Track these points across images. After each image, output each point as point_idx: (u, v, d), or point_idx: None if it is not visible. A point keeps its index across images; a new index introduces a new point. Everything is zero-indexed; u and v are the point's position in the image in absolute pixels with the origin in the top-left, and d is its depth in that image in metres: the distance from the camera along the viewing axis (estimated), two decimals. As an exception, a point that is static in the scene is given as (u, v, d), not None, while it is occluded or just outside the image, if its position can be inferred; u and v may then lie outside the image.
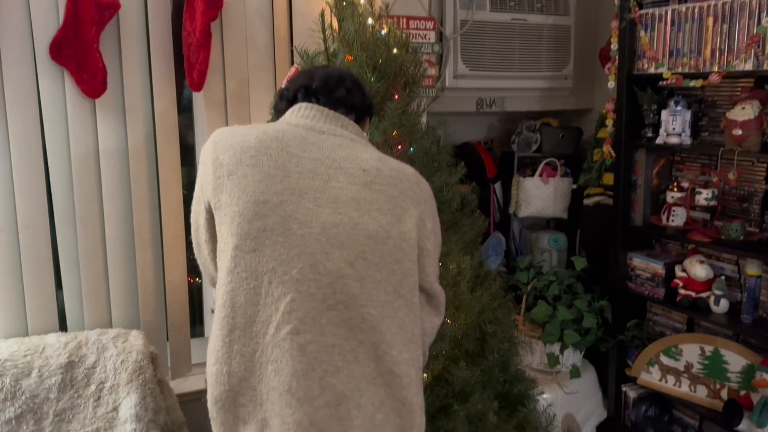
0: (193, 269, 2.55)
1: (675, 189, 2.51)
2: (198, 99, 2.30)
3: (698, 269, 2.46)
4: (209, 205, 1.22)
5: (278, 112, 1.34)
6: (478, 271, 2.00)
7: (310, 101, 1.28)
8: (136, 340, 2.05)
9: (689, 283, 2.50)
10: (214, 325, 1.23)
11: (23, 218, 2.05)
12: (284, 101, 1.32)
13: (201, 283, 2.60)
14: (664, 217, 2.54)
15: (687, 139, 2.47)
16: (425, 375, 1.81)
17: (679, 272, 2.55)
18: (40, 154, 2.05)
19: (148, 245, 2.22)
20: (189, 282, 2.51)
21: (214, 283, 1.36)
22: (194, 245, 1.38)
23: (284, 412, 1.13)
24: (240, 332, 1.17)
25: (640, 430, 2.57)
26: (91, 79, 2.02)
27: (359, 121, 1.32)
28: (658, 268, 2.60)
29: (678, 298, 2.51)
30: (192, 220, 1.34)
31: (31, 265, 2.07)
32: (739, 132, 2.25)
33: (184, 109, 2.37)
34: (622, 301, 2.75)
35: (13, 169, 2.01)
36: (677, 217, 2.49)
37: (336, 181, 1.18)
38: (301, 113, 1.26)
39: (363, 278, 1.14)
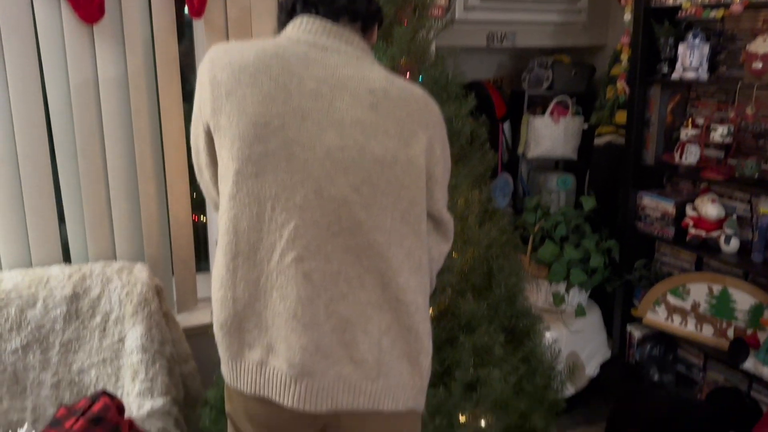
0: (197, 205, 2.52)
1: (689, 126, 2.44)
2: (198, 26, 2.21)
3: (710, 208, 2.41)
4: (208, 127, 1.17)
5: (280, 24, 1.26)
6: (487, 206, 1.96)
7: (309, 12, 1.19)
8: (140, 272, 2.03)
9: (700, 222, 2.45)
10: (218, 250, 1.20)
11: (23, 148, 2.00)
12: (284, 13, 1.24)
13: (206, 221, 2.57)
14: (676, 155, 2.48)
15: (704, 74, 2.39)
16: (431, 309, 1.80)
17: (689, 211, 2.50)
18: (38, 83, 1.99)
19: (150, 178, 2.18)
20: (194, 220, 2.49)
21: (217, 208, 1.32)
22: (195, 169, 1.34)
23: (290, 337, 1.11)
24: (244, 258, 1.15)
25: (644, 369, 2.58)
26: (87, 3, 1.94)
27: (366, 29, 1.23)
28: (669, 207, 2.56)
29: (688, 238, 2.48)
30: (192, 144, 1.29)
31: (32, 196, 2.04)
32: (760, 65, 2.17)
33: (184, 37, 2.29)
34: (631, 241, 2.72)
35: (11, 98, 1.96)
36: (690, 155, 2.43)
37: (340, 102, 1.12)
38: (302, 28, 1.18)
39: (369, 204, 1.10)
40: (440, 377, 1.72)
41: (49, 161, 2.05)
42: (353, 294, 1.12)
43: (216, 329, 1.21)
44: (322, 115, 1.11)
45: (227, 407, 1.24)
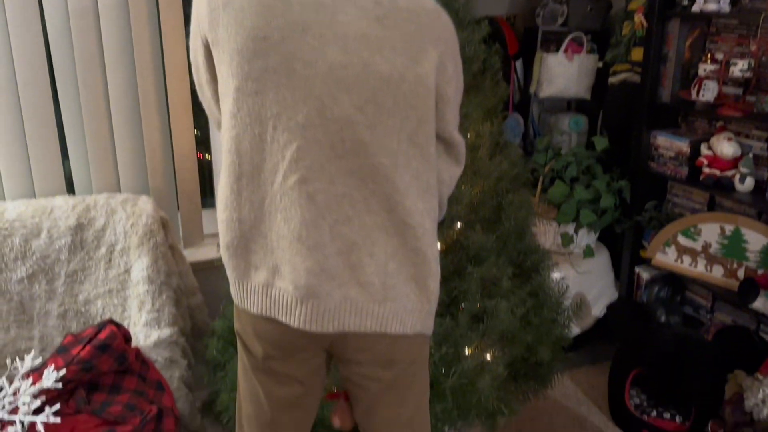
0: (201, 142, 2.48)
1: (708, 61, 2.36)
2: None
3: (725, 146, 2.35)
4: (206, 41, 1.11)
5: None
6: (498, 138, 1.90)
7: None
8: (145, 204, 2.00)
9: (714, 161, 2.40)
10: (222, 171, 1.16)
11: (22, 76, 1.95)
12: None
13: (211, 159, 2.53)
14: (693, 92, 2.40)
15: (726, 6, 2.29)
16: (439, 245, 1.77)
17: (704, 150, 2.44)
18: (36, 9, 1.92)
19: (153, 109, 2.13)
20: (198, 157, 2.45)
21: (219, 127, 1.27)
22: (197, 86, 1.28)
23: (294, 259, 1.09)
24: (248, 180, 1.11)
25: (651, 311, 2.56)
26: None
27: None
28: (683, 146, 2.50)
29: (701, 177, 2.42)
30: (191, 60, 1.23)
31: (33, 125, 2.00)
32: (786, -5, 2.07)
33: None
34: (642, 181, 2.67)
35: (9, 25, 1.90)
36: (708, 92, 2.35)
37: (344, 14, 1.04)
38: None
39: (374, 125, 1.05)
40: (447, 307, 1.71)
41: (49, 89, 2.00)
42: (358, 217, 1.08)
43: (222, 250, 1.19)
44: (324, 28, 1.04)
45: (236, 326, 1.23)
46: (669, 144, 2.55)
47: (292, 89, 1.04)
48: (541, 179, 2.68)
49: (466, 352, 1.71)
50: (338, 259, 1.08)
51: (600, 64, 2.91)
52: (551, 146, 2.82)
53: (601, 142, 2.70)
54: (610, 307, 2.58)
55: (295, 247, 1.08)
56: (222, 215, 1.17)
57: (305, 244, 1.07)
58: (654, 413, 2.33)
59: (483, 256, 1.73)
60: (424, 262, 1.12)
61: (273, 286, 1.12)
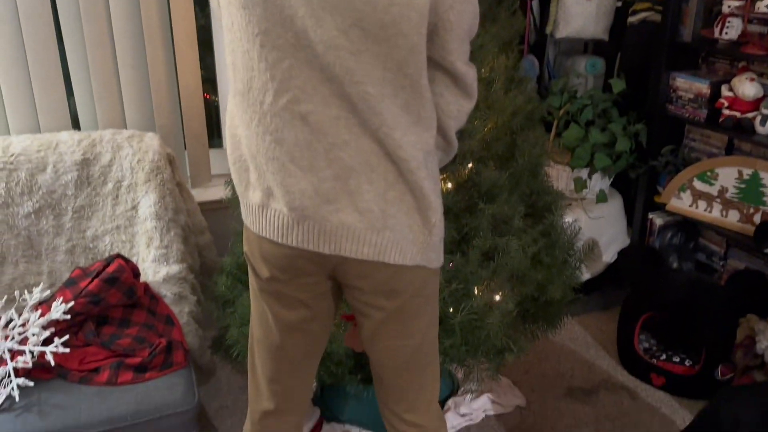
0: (207, 81, 2.43)
1: (734, -3, 2.26)
2: None
3: (747, 87, 2.27)
4: None
5: None
6: (513, 73, 1.84)
7: None
8: (151, 140, 1.97)
9: (735, 102, 2.32)
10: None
11: (25, 10, 1.89)
12: None
13: (217, 100, 2.48)
14: (716, 30, 2.31)
15: (755, -62, 2.18)
16: (449, 184, 1.73)
17: (725, 92, 2.36)
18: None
19: (158, 44, 2.07)
20: (205, 98, 2.40)
21: None
22: None
23: (287, 182, 1.07)
24: (241, 98, 1.09)
25: (664, 256, 2.52)
26: None
27: None
28: (703, 87, 2.41)
29: (721, 120, 2.35)
30: None
31: (37, 59, 1.95)
32: (820, -76, 1.96)
33: None
34: (660, 124, 2.60)
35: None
36: (732, 29, 2.26)
37: None
38: None
39: (359, 51, 0.99)
40: (458, 244, 1.68)
41: (52, 24, 1.95)
42: (356, 141, 1.04)
43: (230, 164, 1.18)
44: None
45: (245, 247, 1.23)
46: (688, 85, 2.47)
47: (280, 7, 0.99)
48: (555, 123, 2.61)
49: (476, 290, 1.70)
50: (336, 183, 1.05)
51: (619, 4, 2.79)
52: (567, 89, 2.73)
53: (618, 85, 2.62)
54: (622, 252, 2.54)
55: (289, 169, 1.06)
56: (228, 131, 1.17)
57: (299, 166, 1.05)
58: (663, 357, 2.33)
59: (495, 194, 1.69)
60: (423, 196, 1.08)
61: (269, 207, 1.11)
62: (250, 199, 1.14)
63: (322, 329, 1.28)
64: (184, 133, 2.28)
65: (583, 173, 2.63)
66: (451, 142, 1.18)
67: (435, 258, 1.15)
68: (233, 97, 1.11)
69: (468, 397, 2.18)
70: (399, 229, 1.09)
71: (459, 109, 1.14)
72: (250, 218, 1.16)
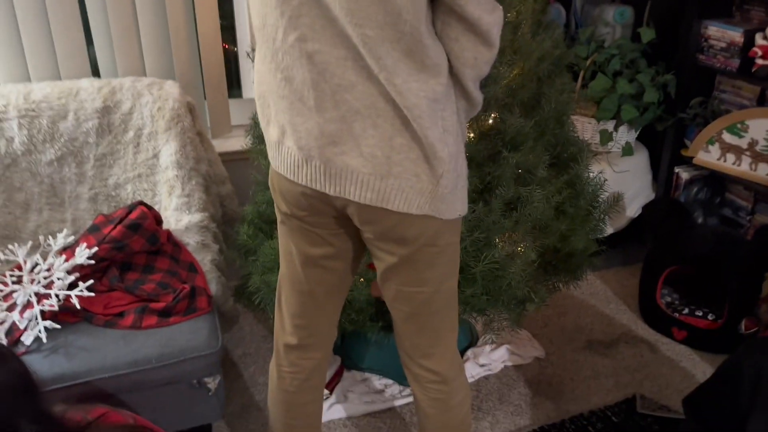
0: (226, 28, 2.39)
1: (774, -61, 2.15)
2: None
3: (784, 35, 2.18)
4: None
5: None
6: (540, 16, 1.77)
7: None
8: (171, 88, 1.95)
9: (770, 51, 2.23)
10: None
11: (40, -50, 1.86)
12: None
13: (236, 50, 2.44)
14: (754, -25, 2.21)
15: None
16: (471, 134, 1.69)
17: (759, 40, 2.27)
18: None
19: (177, -11, 2.03)
20: (224, 48, 2.36)
21: None
22: None
23: (295, 120, 1.07)
24: (259, 34, 1.09)
25: (689, 209, 2.47)
26: None
27: None
28: (736, 36, 2.33)
29: (754, 69, 2.27)
30: None
31: (56, 5, 1.92)
32: None
33: None
34: (689, 75, 2.52)
35: None
36: (770, -26, 2.16)
37: None
38: None
39: None
40: (480, 194, 1.65)
41: (69, -35, 1.92)
42: (363, 84, 1.01)
43: (255, 100, 1.19)
44: None
45: (270, 183, 1.23)
46: (721, 34, 2.38)
47: None
48: (582, 73, 2.54)
49: (497, 241, 1.68)
50: (341, 125, 1.04)
51: (650, -51, 2.68)
52: (594, 38, 2.65)
53: (647, 34, 2.54)
54: (647, 206, 2.50)
55: (296, 107, 1.06)
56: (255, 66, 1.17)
57: (306, 105, 1.05)
58: (686, 311, 2.31)
59: (519, 142, 1.66)
60: (429, 145, 1.05)
61: (283, 144, 1.11)
62: (270, 134, 1.15)
63: (345, 268, 1.28)
64: (203, 83, 2.25)
65: (609, 125, 2.57)
66: (471, 92, 1.11)
67: (446, 209, 1.11)
68: (255, 32, 1.11)
69: (487, 348, 2.18)
70: (405, 177, 1.06)
71: (477, 56, 1.07)
72: (270, 153, 1.17)
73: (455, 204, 1.13)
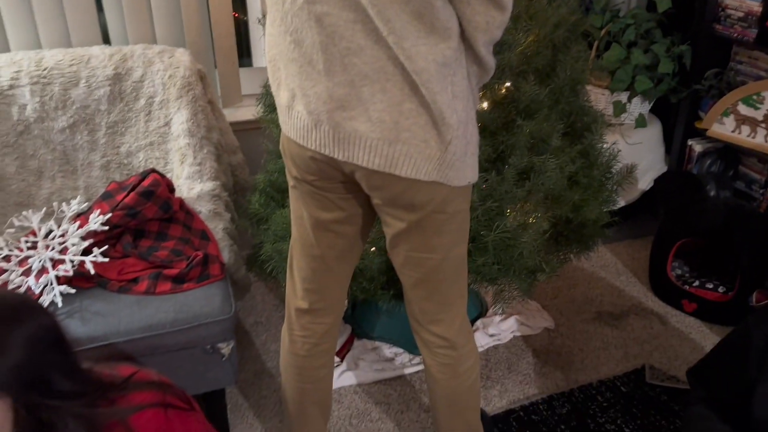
0: (237, 2, 2.36)
1: None
2: None
3: (804, 4, 2.13)
4: None
5: None
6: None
7: None
8: (182, 56, 1.93)
9: (790, 21, 2.19)
10: None
11: None
12: None
13: (247, 18, 2.42)
14: (775, -59, 2.16)
15: None
16: (485, 103, 1.68)
17: (779, 9, 2.23)
18: None
19: (187, -45, 2.01)
20: (234, 16, 2.34)
21: None
22: None
23: (304, 84, 1.06)
24: None
25: (702, 182, 2.45)
26: None
27: None
28: (755, 5, 2.28)
29: (772, 39, 2.23)
30: None
31: (65, -31, 1.91)
32: None
33: None
34: (705, 46, 2.48)
35: None
36: (792, -60, 2.11)
37: None
38: None
39: None
40: (493, 162, 1.64)
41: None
42: (372, 48, 1.00)
43: (267, 64, 1.18)
44: None
45: (281, 148, 1.23)
46: (738, 3, 2.33)
47: None
48: (596, 43, 2.51)
49: (509, 210, 1.67)
50: (349, 89, 1.03)
51: None
52: (609, 8, 2.61)
53: (663, 3, 2.49)
54: (660, 178, 2.48)
55: (306, 71, 1.05)
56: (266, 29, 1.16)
57: (315, 69, 1.04)
58: (696, 283, 2.30)
59: (533, 110, 1.64)
60: (438, 111, 1.03)
61: (293, 108, 1.11)
62: (281, 98, 1.14)
63: (355, 233, 1.28)
64: (214, 51, 2.23)
65: (623, 97, 2.54)
66: (483, 57, 1.09)
67: (455, 176, 1.10)
68: None
69: (497, 318, 2.19)
70: (414, 143, 1.05)
71: (489, 21, 1.05)
72: (281, 117, 1.17)
73: (465, 171, 1.12)
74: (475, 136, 1.13)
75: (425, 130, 1.04)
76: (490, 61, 1.10)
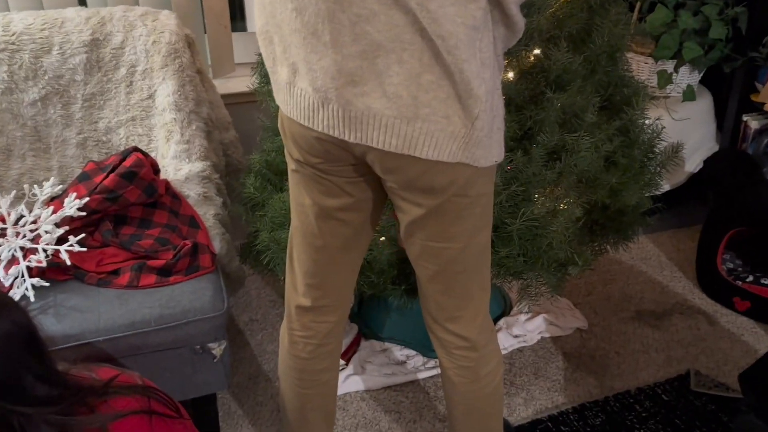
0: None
1: None
2: None
3: None
4: None
5: None
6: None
7: None
8: (167, 19, 1.94)
9: None
10: None
11: None
12: None
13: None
14: None
15: None
16: (510, 73, 1.67)
17: None
18: None
19: None
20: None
21: None
22: None
23: (310, 58, 1.05)
24: None
25: (758, 163, 2.44)
26: None
27: None
28: (823, -40, 2.25)
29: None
30: None
31: None
32: None
33: None
34: (763, 8, 2.45)
35: None
36: None
37: None
38: None
39: None
40: (519, 141, 1.64)
41: None
42: (386, 13, 0.99)
43: (257, 35, 1.17)
44: None
45: (279, 125, 1.23)
46: (804, -42, 2.30)
47: None
48: (638, 4, 2.49)
49: (537, 195, 1.67)
50: (362, 62, 1.02)
51: None
52: (652, -36, 2.59)
53: (716, -42, 2.47)
54: (710, 159, 2.47)
55: (311, 43, 1.04)
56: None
57: (321, 40, 1.03)
58: (750, 279, 2.29)
59: (566, 81, 1.63)
60: (463, 81, 1.03)
61: (295, 85, 1.11)
62: (279, 75, 1.14)
63: (363, 221, 1.28)
64: (203, 14, 2.24)
65: (669, 66, 2.53)
66: (513, 17, 1.08)
67: (482, 155, 1.10)
68: None
69: (522, 317, 2.20)
70: (434, 120, 1.04)
71: None
72: (279, 96, 1.16)
73: (491, 149, 1.11)
74: (501, 108, 1.13)
75: (447, 105, 1.04)
76: (520, 21, 1.09)
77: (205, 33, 2.28)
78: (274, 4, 1.08)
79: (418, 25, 0.99)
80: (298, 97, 1.11)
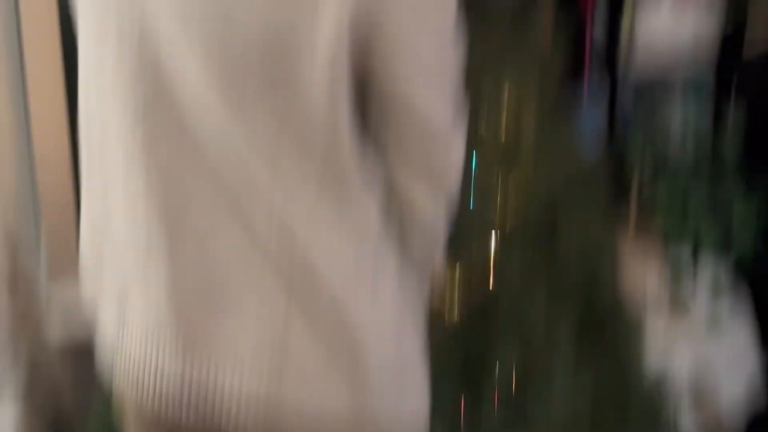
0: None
1: None
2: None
3: None
4: None
5: None
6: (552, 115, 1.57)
7: None
8: None
9: None
10: None
11: None
12: None
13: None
14: None
15: None
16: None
17: None
18: None
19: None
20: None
21: None
22: None
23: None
24: None
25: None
26: None
27: None
28: None
29: None
30: None
31: None
32: None
33: None
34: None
35: None
36: None
37: None
38: None
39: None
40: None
41: None
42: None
43: None
44: None
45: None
46: None
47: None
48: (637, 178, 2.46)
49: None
50: None
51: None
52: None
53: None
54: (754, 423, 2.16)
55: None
56: None
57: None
58: None
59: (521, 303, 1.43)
60: (345, 330, 0.91)
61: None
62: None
63: None
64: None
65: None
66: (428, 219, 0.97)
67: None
68: None
69: None
70: (306, 392, 0.93)
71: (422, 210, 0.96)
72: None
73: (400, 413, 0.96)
74: (414, 351, 0.98)
75: (325, 368, 0.93)
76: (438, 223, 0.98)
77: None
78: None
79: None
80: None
